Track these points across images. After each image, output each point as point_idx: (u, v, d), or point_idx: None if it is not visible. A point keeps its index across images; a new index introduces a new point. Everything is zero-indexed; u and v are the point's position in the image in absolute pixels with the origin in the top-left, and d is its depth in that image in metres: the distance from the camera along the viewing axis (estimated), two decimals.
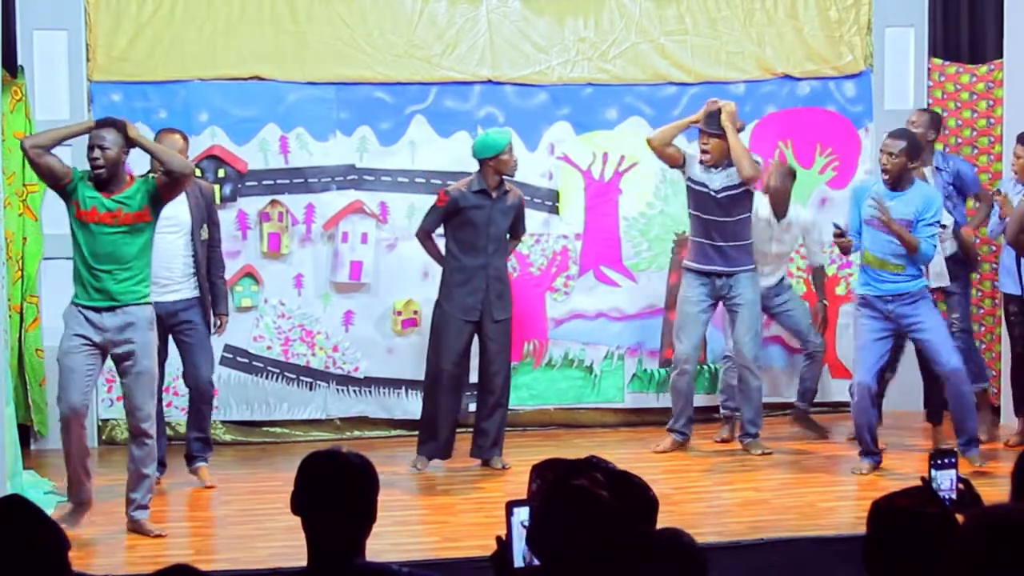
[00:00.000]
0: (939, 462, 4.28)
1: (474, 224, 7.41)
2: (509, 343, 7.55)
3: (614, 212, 8.78)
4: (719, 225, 7.74)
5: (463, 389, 7.62)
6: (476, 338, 7.52)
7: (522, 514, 3.42)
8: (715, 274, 7.78)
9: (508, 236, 7.63)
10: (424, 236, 7.60)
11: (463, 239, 7.45)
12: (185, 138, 7.23)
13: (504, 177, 7.47)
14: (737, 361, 7.88)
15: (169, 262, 7.00)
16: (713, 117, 7.71)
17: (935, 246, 7.23)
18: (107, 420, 8.26)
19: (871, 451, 7.34)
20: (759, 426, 7.88)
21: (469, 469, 7.53)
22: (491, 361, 7.49)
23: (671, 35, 8.78)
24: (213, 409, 7.46)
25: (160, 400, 6.69)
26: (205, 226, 7.17)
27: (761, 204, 7.98)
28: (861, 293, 7.30)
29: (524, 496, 3.55)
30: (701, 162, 7.75)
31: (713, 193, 7.71)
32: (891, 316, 7.21)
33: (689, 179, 7.81)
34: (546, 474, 3.44)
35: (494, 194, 7.41)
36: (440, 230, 7.55)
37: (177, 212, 7.00)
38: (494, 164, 7.38)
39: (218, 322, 7.31)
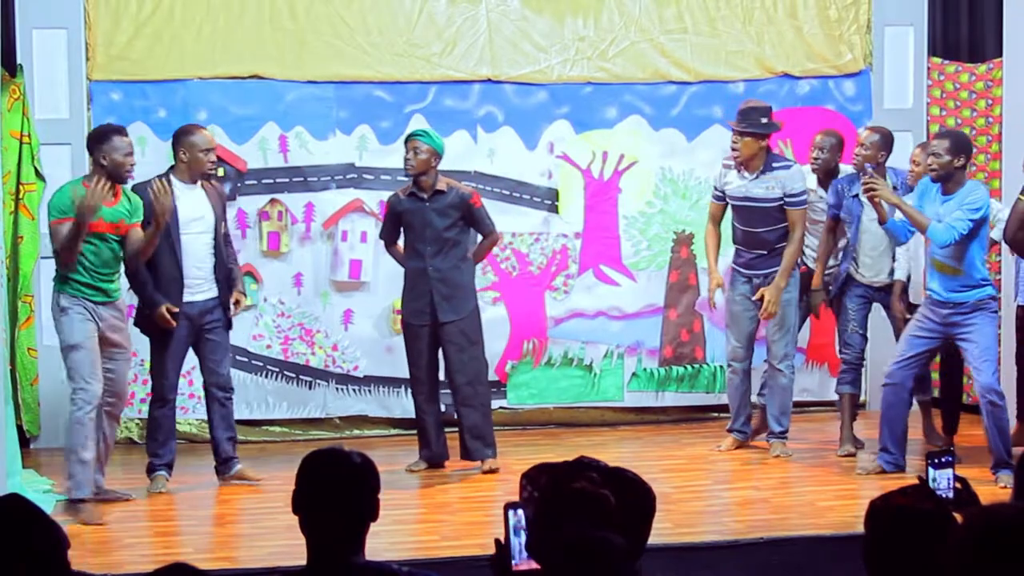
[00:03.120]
0: (936, 461, 4.28)
1: (411, 227, 7.40)
2: (471, 343, 7.42)
3: (614, 211, 8.78)
4: (752, 236, 7.72)
5: (438, 390, 7.58)
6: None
7: (520, 516, 3.40)
8: (754, 275, 7.78)
9: (482, 235, 7.56)
10: (386, 246, 7.65)
11: (406, 244, 7.47)
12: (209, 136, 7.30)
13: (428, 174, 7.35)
14: (767, 358, 7.88)
15: (200, 262, 7.10)
16: (745, 114, 7.65)
17: (958, 233, 6.85)
18: None
19: (885, 448, 7.22)
20: (784, 426, 7.82)
21: (468, 469, 7.52)
22: (450, 362, 7.43)
23: (671, 34, 8.78)
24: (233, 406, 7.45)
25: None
26: (224, 222, 7.26)
27: (811, 178, 7.81)
28: (928, 289, 7.15)
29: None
30: (736, 166, 7.69)
31: (745, 203, 7.68)
32: (945, 322, 7.06)
33: (725, 194, 7.77)
34: (538, 480, 3.42)
35: (426, 195, 7.36)
36: None
37: (204, 212, 7.13)
38: None
39: (236, 300, 7.28)
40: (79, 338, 6.54)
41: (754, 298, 7.74)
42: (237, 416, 7.49)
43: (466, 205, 7.39)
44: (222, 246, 7.18)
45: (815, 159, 7.84)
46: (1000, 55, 8.77)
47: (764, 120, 7.64)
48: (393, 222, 7.52)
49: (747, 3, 8.85)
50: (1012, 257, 7.97)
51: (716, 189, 7.88)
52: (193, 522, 6.70)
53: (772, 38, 8.90)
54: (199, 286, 7.10)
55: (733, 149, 7.68)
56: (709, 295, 7.96)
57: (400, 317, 8.46)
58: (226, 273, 7.23)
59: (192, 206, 7.10)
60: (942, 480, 4.23)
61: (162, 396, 7.17)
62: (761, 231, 7.70)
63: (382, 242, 7.71)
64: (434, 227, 7.34)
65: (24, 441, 7.84)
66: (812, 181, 7.85)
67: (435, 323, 7.38)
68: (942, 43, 9.12)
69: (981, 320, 7.01)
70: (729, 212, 7.86)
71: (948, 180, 6.93)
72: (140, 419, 8.31)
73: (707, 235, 7.96)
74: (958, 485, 4.24)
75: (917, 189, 7.20)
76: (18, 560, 2.90)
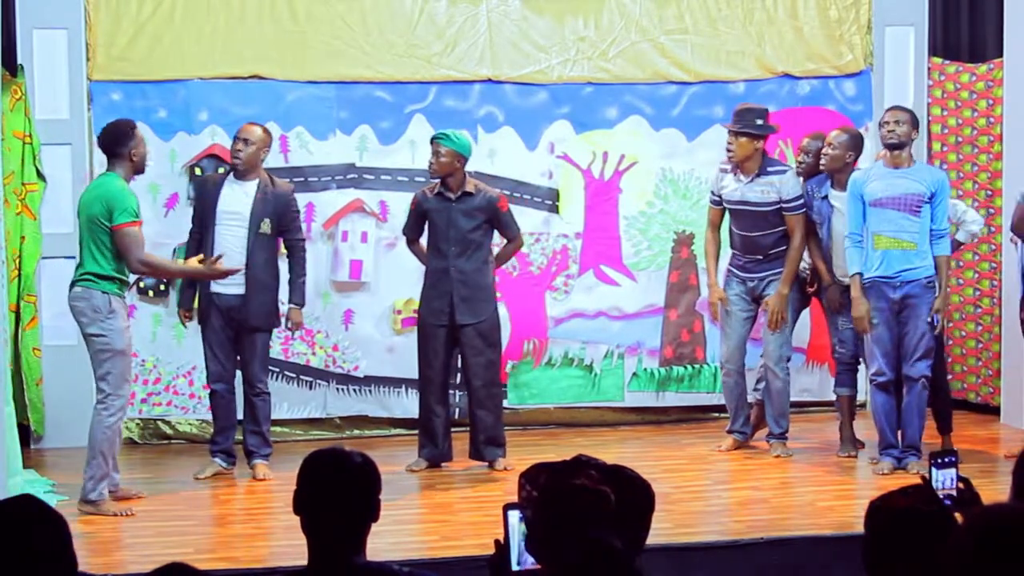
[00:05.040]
0: (939, 461, 4.28)
1: (436, 226, 7.43)
2: (489, 346, 7.46)
3: (614, 211, 8.78)
4: (747, 239, 7.73)
5: (450, 392, 7.65)
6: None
7: (520, 517, 3.39)
8: (748, 278, 7.79)
9: (505, 240, 7.62)
10: (408, 242, 7.70)
11: (430, 242, 7.50)
12: (267, 132, 7.50)
13: (470, 177, 7.50)
14: (763, 360, 7.88)
15: (230, 255, 7.20)
16: (740, 115, 7.65)
17: (948, 241, 7.28)
18: None
19: (891, 444, 7.32)
20: (783, 427, 7.81)
21: (468, 469, 7.53)
22: (467, 365, 7.48)
23: (671, 34, 8.78)
24: (269, 406, 7.52)
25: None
26: (267, 221, 7.30)
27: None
28: (870, 277, 7.22)
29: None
30: (731, 168, 7.69)
31: (740, 207, 7.68)
32: (896, 304, 7.17)
33: (722, 199, 7.79)
34: (537, 480, 3.42)
35: (453, 195, 7.39)
36: None
37: (240, 208, 7.29)
38: None
39: (288, 316, 7.47)
40: (124, 345, 6.59)
41: (761, 308, 7.75)
42: (238, 416, 7.50)
43: (493, 208, 7.43)
44: (254, 245, 7.25)
45: (800, 163, 7.85)
46: (1001, 55, 8.77)
47: (760, 121, 7.65)
48: (418, 219, 7.55)
49: (747, 3, 8.85)
50: (1012, 255, 7.96)
51: (713, 194, 7.90)
52: (193, 522, 6.70)
53: (772, 38, 8.89)
54: (230, 280, 7.23)
55: (728, 150, 7.69)
56: (712, 310, 8.00)
57: (400, 317, 8.50)
58: (271, 278, 7.33)
59: (232, 200, 7.27)
60: (945, 480, 4.23)
61: (209, 384, 7.43)
62: (756, 235, 7.71)
63: (405, 237, 7.75)
64: (459, 228, 7.37)
65: (25, 441, 7.84)
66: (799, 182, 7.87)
67: (452, 324, 7.39)
68: (943, 43, 9.12)
69: (924, 308, 7.16)
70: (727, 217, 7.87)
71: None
72: (140, 419, 8.33)
73: (707, 242, 7.98)
74: (960, 485, 4.24)
75: (850, 189, 7.32)
76: (32, 561, 2.90)
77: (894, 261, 7.16)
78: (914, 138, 7.26)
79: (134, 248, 6.57)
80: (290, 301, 7.44)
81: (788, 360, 7.84)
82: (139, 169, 6.80)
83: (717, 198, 7.85)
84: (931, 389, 7.51)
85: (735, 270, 7.87)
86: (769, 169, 7.68)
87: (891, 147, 7.21)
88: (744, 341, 7.90)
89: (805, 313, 8.23)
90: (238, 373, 7.43)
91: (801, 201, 7.66)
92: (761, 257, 7.75)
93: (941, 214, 7.18)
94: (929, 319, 7.16)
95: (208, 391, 7.52)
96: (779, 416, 7.82)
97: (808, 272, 7.87)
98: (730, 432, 8.00)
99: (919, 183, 7.14)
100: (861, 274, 7.23)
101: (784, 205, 7.62)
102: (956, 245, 7.80)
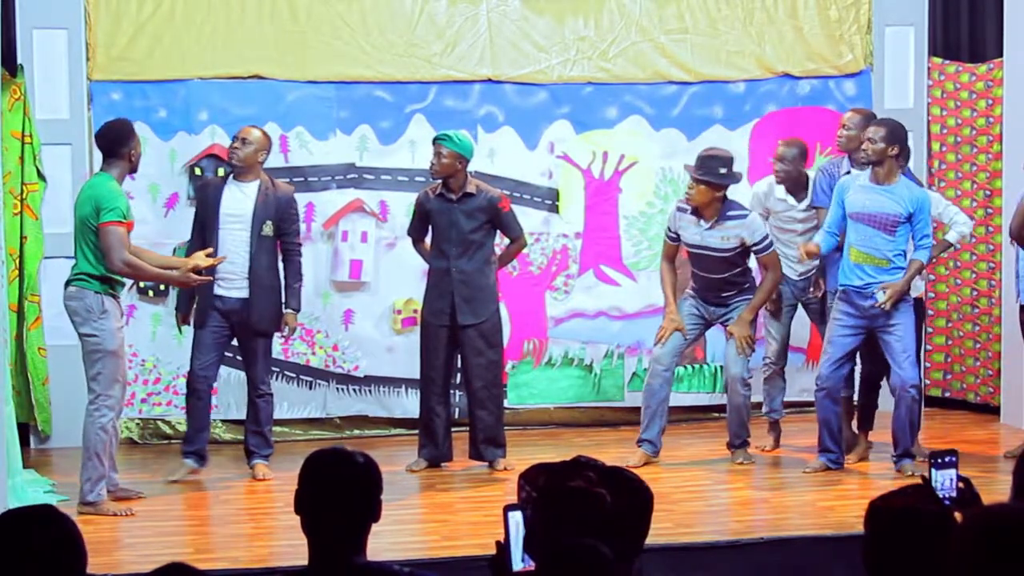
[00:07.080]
0: (939, 461, 4.27)
1: (437, 227, 7.44)
2: (490, 347, 7.45)
3: (614, 211, 8.78)
4: (709, 280, 7.59)
5: (451, 392, 7.65)
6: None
7: (520, 518, 3.39)
8: (706, 309, 7.65)
9: (509, 240, 7.63)
10: (413, 243, 7.71)
11: (432, 242, 7.51)
12: (266, 135, 7.46)
13: (472, 176, 7.49)
14: (725, 374, 7.81)
15: (233, 258, 7.21)
16: (704, 162, 7.47)
17: (928, 251, 7.17)
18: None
19: (827, 448, 7.32)
20: (743, 437, 7.65)
21: (469, 469, 7.53)
22: (468, 366, 7.48)
23: (671, 34, 8.78)
24: (271, 407, 7.53)
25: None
26: (269, 223, 7.29)
27: (779, 188, 7.77)
28: (842, 285, 7.20)
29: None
30: (688, 208, 7.52)
31: (701, 251, 7.53)
32: (867, 314, 7.14)
33: (680, 237, 7.62)
34: (536, 481, 3.42)
35: (454, 196, 7.39)
36: None
37: (243, 208, 7.27)
38: None
39: (285, 322, 7.43)
40: (116, 345, 6.60)
41: (727, 334, 7.61)
42: (238, 416, 7.52)
43: (494, 209, 7.43)
44: (256, 247, 7.24)
45: (777, 171, 7.77)
46: (1000, 55, 8.77)
47: (723, 170, 7.44)
48: (421, 220, 7.57)
49: (747, 3, 8.85)
50: (1012, 256, 7.97)
51: (670, 230, 7.67)
52: (193, 522, 6.71)
53: (772, 38, 8.89)
54: (232, 282, 7.25)
55: (687, 194, 7.57)
56: (661, 332, 7.64)
57: (400, 317, 8.50)
58: (274, 280, 7.32)
59: (233, 202, 7.27)
60: (945, 480, 4.22)
61: (189, 383, 7.40)
62: (719, 277, 7.57)
63: (410, 238, 7.75)
64: (460, 228, 7.37)
65: (24, 441, 7.84)
66: (780, 190, 7.80)
67: (454, 325, 7.40)
68: (943, 43, 9.12)
69: (902, 313, 7.13)
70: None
71: (881, 165, 7.08)
72: (140, 419, 8.34)
73: (663, 272, 7.74)
74: (960, 485, 4.24)
75: (836, 191, 7.27)
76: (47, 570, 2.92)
77: (866, 274, 7.12)
78: (891, 153, 7.04)
79: (117, 247, 6.54)
80: (286, 306, 7.42)
81: (750, 377, 7.63)
82: (134, 169, 6.85)
83: (674, 235, 7.63)
84: (869, 386, 7.57)
85: (694, 295, 7.71)
86: (729, 214, 7.46)
87: (866, 164, 7.17)
88: (678, 351, 7.68)
89: (803, 312, 8.21)
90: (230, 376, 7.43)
91: (769, 240, 7.54)
92: (723, 294, 7.63)
93: (923, 227, 7.09)
94: (880, 292, 7.05)
95: (185, 390, 7.48)
96: (739, 428, 7.65)
97: (812, 275, 7.83)
98: (640, 443, 7.68)
99: (897, 203, 7.05)
100: (820, 245, 7.23)
101: (754, 248, 7.48)
102: (946, 247, 7.76)
